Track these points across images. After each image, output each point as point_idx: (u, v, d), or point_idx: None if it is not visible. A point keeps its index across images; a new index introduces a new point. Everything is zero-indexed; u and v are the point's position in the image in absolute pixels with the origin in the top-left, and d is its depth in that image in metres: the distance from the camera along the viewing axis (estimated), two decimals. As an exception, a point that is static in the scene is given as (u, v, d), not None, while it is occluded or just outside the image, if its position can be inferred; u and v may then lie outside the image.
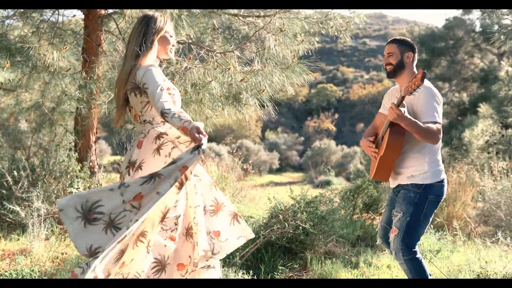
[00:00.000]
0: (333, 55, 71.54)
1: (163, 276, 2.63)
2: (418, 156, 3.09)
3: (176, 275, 2.73)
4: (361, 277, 4.22)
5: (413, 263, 3.06)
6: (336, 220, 4.75)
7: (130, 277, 2.52)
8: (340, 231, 4.83)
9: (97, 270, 2.26)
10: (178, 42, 4.74)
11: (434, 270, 4.20)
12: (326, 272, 4.23)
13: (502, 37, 5.16)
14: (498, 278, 3.71)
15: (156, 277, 2.61)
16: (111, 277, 2.44)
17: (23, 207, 5.10)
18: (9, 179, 5.31)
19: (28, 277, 3.81)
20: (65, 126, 6.43)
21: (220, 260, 2.94)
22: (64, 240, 4.84)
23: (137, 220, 2.31)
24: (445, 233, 5.32)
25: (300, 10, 5.32)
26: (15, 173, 5.42)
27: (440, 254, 4.73)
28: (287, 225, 4.41)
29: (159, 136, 2.67)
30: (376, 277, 4.24)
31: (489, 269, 3.85)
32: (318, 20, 5.63)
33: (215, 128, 5.45)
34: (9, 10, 5.34)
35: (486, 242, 4.64)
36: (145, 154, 2.66)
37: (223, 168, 7.19)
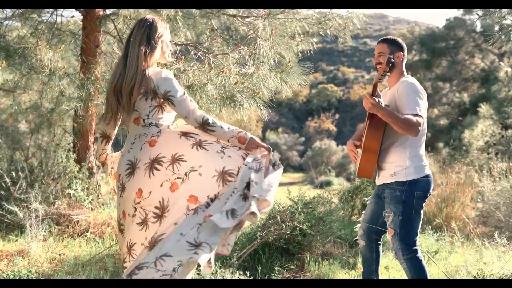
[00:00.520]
0: (333, 55, 71.51)
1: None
2: (399, 150, 3.10)
3: None
4: (358, 278, 4.22)
5: (413, 262, 3.06)
6: (334, 221, 4.75)
7: None
8: (338, 232, 4.82)
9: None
10: (176, 44, 4.74)
11: (433, 271, 4.20)
12: (323, 273, 4.23)
13: (503, 37, 5.15)
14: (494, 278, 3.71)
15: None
16: None
17: (21, 208, 5.10)
18: (8, 180, 5.32)
19: (25, 278, 3.81)
20: (63, 127, 6.43)
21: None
22: (62, 241, 4.85)
23: None
24: (443, 234, 5.31)
25: (299, 10, 5.32)
26: (14, 174, 5.43)
27: (438, 255, 4.73)
28: (284, 226, 4.41)
29: (186, 134, 2.69)
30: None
31: (485, 270, 3.85)
32: (317, 20, 5.63)
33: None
34: (7, 10, 5.34)
35: (484, 243, 4.63)
36: (177, 149, 2.63)
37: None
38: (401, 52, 3.21)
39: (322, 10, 5.91)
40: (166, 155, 2.61)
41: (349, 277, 4.24)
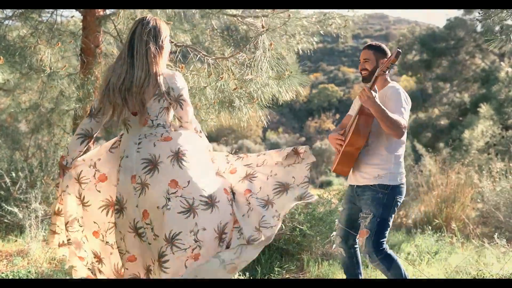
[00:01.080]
0: (334, 55, 71.46)
1: None
2: (385, 154, 3.13)
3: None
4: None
5: (388, 259, 3.06)
6: (333, 221, 4.74)
7: None
8: (337, 232, 4.81)
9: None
10: (175, 45, 4.74)
11: (432, 272, 4.19)
12: (323, 273, 4.22)
13: (503, 37, 5.14)
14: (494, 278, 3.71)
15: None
16: None
17: (21, 208, 5.10)
18: (7, 180, 5.32)
19: (25, 278, 3.81)
20: (63, 127, 6.43)
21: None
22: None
23: None
24: (443, 234, 5.30)
25: (299, 10, 5.31)
26: (13, 174, 5.43)
27: (438, 256, 4.72)
28: (283, 226, 4.41)
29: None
30: (373, 277, 4.23)
31: (485, 271, 3.84)
32: (316, 19, 5.63)
33: (216, 128, 5.44)
34: (7, 10, 5.34)
35: (484, 243, 4.63)
36: (187, 144, 2.74)
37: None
38: (386, 59, 3.18)
39: (323, 10, 5.92)
40: (187, 148, 2.71)
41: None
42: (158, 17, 2.96)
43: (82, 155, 2.92)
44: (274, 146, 36.53)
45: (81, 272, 2.93)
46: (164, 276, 2.55)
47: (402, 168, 3.17)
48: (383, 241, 3.09)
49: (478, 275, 3.83)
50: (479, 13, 4.49)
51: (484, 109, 11.77)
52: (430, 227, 5.40)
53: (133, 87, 2.63)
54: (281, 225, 4.40)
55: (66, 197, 2.83)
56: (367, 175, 3.15)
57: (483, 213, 6.36)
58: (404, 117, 3.02)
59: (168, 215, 2.56)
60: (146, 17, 2.78)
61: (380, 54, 3.22)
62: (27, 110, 6.37)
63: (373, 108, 2.95)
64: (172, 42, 3.00)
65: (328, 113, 51.47)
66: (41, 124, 6.27)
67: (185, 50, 5.01)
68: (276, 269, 4.10)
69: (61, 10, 5.79)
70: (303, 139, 42.37)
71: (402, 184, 3.15)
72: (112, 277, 2.93)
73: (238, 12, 5.33)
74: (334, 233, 3.55)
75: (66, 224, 2.84)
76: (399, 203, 3.16)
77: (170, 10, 5.10)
